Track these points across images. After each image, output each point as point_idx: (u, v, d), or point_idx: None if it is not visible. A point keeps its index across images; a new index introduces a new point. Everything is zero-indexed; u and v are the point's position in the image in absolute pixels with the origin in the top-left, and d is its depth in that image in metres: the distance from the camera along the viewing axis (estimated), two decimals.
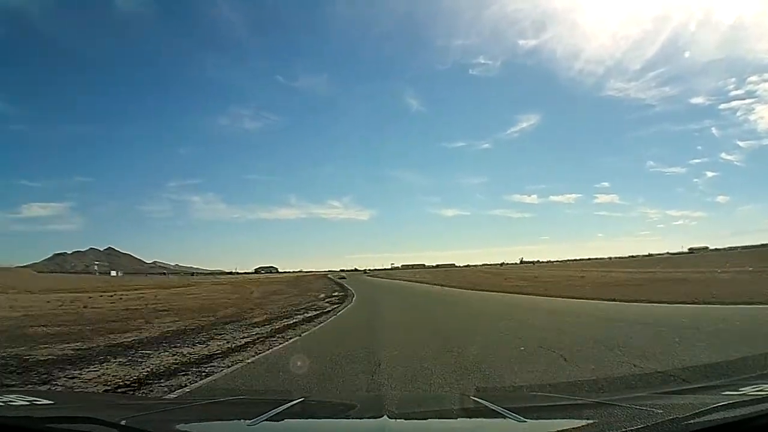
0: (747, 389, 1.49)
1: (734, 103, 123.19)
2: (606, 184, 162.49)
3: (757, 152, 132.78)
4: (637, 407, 1.47)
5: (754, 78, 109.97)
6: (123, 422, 1.29)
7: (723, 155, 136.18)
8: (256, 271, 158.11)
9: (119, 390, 4.58)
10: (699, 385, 2.74)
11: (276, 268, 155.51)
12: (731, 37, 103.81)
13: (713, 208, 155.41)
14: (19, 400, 1.75)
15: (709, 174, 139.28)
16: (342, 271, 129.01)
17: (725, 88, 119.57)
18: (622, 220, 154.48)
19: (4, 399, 1.69)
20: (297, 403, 1.81)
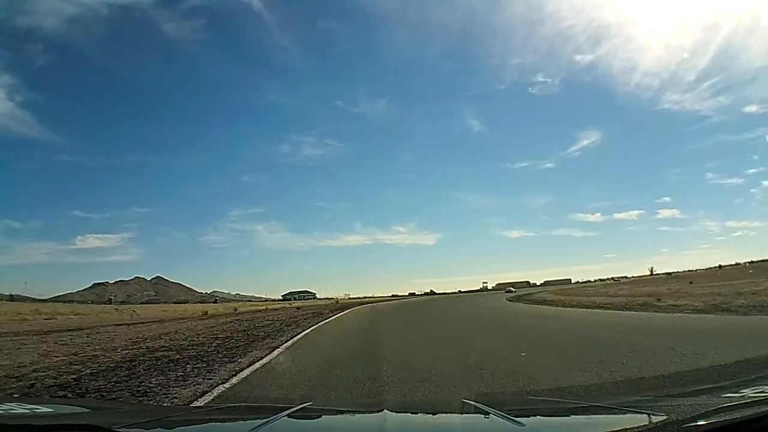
0: (747, 391, 1.50)
1: None
2: (667, 198, 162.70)
3: None
4: (638, 410, 1.47)
5: None
6: (122, 430, 1.29)
7: None
8: (284, 298, 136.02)
9: None
10: (699, 387, 2.74)
11: (313, 294, 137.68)
12: None
13: None
14: (19, 408, 1.75)
15: (766, 183, 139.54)
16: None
17: None
18: (683, 234, 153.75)
19: (5, 407, 1.69)
20: (298, 409, 1.81)
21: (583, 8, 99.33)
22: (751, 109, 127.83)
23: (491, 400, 3.32)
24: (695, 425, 1.03)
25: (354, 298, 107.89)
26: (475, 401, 2.01)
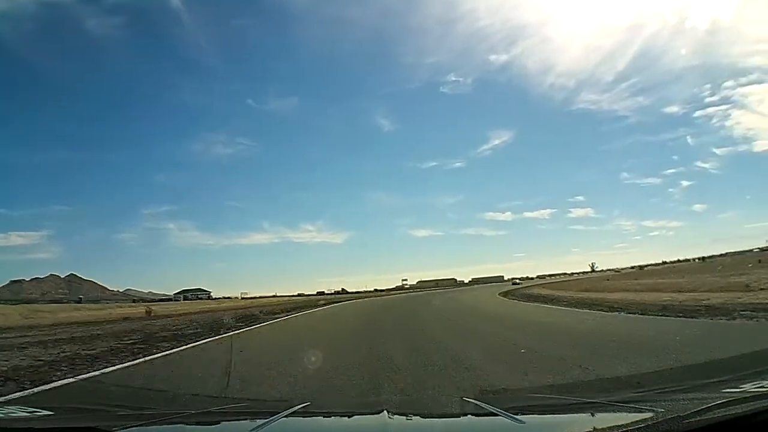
0: (747, 386, 1.50)
1: (709, 110, 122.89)
2: (580, 198, 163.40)
3: (734, 159, 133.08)
4: (638, 406, 1.47)
5: (729, 83, 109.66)
6: (123, 431, 1.28)
7: (698, 163, 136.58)
8: (176, 298, 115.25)
9: None
10: (699, 383, 2.75)
11: (208, 293, 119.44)
12: (706, 42, 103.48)
13: (690, 217, 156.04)
14: (19, 411, 1.75)
15: (685, 183, 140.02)
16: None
17: (700, 95, 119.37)
18: (597, 233, 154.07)
19: (4, 410, 1.69)
20: (298, 409, 1.81)
21: (500, 8, 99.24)
22: (672, 109, 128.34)
23: (491, 398, 3.32)
24: (696, 420, 1.03)
25: (252, 298, 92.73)
26: (475, 399, 2.02)
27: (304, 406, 1.93)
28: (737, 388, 1.51)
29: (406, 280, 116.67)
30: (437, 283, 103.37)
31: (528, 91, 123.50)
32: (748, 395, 1.31)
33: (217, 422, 1.89)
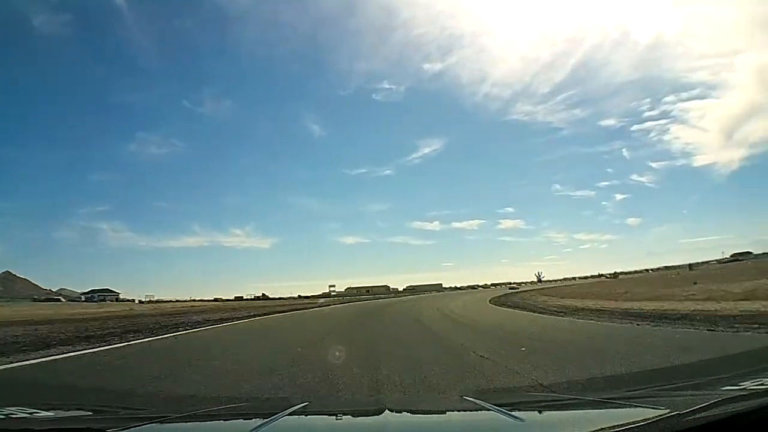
0: (747, 383, 1.50)
1: (648, 124, 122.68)
2: (510, 209, 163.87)
3: (670, 173, 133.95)
4: (637, 404, 1.48)
5: (670, 98, 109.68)
6: None
7: (634, 177, 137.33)
8: (91, 297, 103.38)
9: None
10: (699, 381, 2.76)
11: (116, 294, 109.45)
12: (648, 56, 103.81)
13: (623, 231, 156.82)
14: (19, 413, 1.75)
15: (619, 196, 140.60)
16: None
17: (639, 108, 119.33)
18: (526, 244, 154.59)
19: (5, 411, 1.68)
20: (298, 409, 1.81)
21: (438, 17, 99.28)
22: (609, 122, 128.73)
23: (490, 395, 3.33)
24: (695, 417, 1.03)
25: (158, 302, 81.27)
26: (474, 398, 2.02)
27: (303, 406, 1.93)
28: (736, 385, 1.51)
29: (333, 286, 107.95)
30: (368, 290, 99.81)
31: (461, 101, 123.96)
32: (747, 393, 1.32)
33: (217, 422, 1.89)
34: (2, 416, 1.60)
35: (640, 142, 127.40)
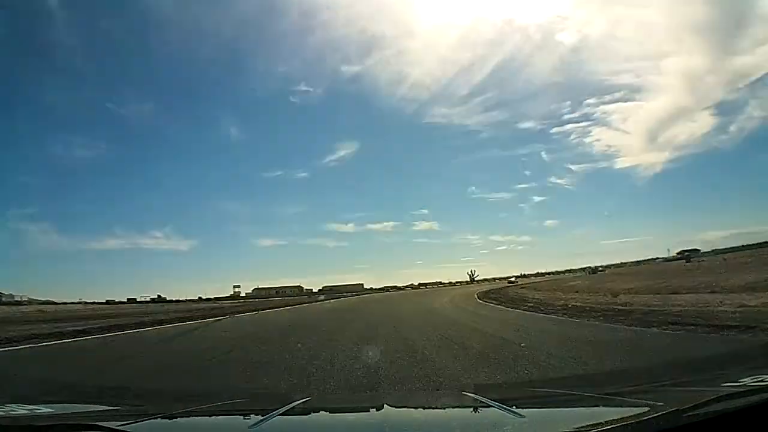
0: (747, 380, 1.50)
1: (568, 127, 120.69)
2: (425, 211, 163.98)
3: (590, 175, 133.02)
4: (638, 400, 1.48)
5: (592, 100, 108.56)
6: (123, 429, 1.29)
7: (553, 179, 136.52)
8: None
9: None
10: (699, 377, 2.76)
11: (12, 296, 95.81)
12: (571, 59, 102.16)
13: (541, 232, 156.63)
14: (20, 409, 1.75)
15: (537, 198, 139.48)
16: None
17: (559, 111, 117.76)
18: (441, 246, 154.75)
19: (5, 408, 1.69)
20: (298, 404, 1.81)
21: (358, 18, 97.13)
22: (528, 125, 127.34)
23: (491, 391, 3.34)
24: (695, 414, 1.03)
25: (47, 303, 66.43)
26: (474, 393, 2.02)
27: (303, 402, 1.93)
28: (736, 381, 1.51)
29: (238, 287, 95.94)
30: (278, 291, 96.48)
31: (378, 103, 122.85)
32: (748, 389, 1.31)
33: (217, 418, 1.89)
34: (3, 412, 1.61)
35: (560, 145, 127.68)
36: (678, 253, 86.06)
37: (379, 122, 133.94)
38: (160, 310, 34.11)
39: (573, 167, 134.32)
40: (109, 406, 2.54)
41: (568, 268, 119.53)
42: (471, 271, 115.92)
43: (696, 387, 1.88)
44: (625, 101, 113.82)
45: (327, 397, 3.71)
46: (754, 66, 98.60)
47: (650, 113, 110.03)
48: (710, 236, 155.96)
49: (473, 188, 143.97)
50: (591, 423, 1.15)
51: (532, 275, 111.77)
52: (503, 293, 27.51)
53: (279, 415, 1.54)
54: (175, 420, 1.70)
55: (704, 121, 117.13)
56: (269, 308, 26.93)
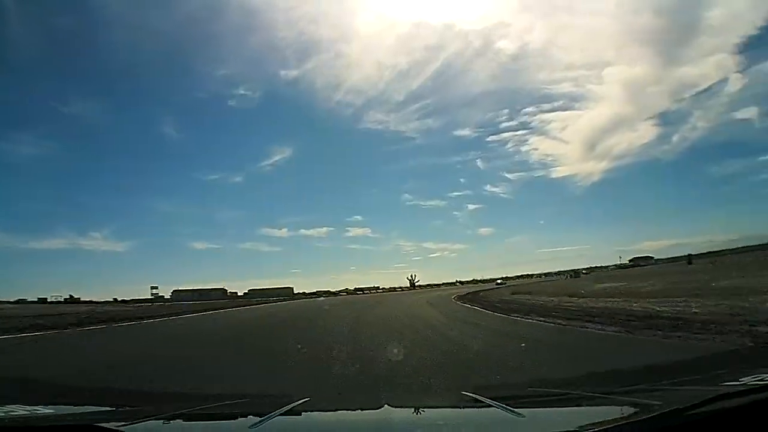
0: (746, 379, 1.50)
1: (505, 135, 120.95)
2: (359, 217, 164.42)
3: (526, 184, 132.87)
4: (638, 399, 1.48)
5: (530, 109, 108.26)
6: (123, 429, 1.28)
7: (488, 187, 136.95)
8: None
9: None
10: (698, 376, 2.76)
11: None
12: (510, 66, 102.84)
13: (475, 240, 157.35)
14: (19, 410, 1.75)
15: (471, 206, 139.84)
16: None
17: (496, 119, 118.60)
18: (374, 252, 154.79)
19: (5, 408, 1.69)
20: (297, 405, 1.81)
21: (298, 21, 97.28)
22: (464, 132, 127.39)
23: (491, 391, 3.34)
24: (696, 413, 1.03)
25: None
26: (474, 393, 2.02)
27: (303, 402, 1.93)
28: (737, 380, 1.51)
29: (156, 288, 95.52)
30: (201, 294, 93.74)
31: (315, 108, 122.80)
32: (747, 388, 1.31)
33: (217, 419, 1.89)
34: (2, 413, 1.61)
35: (496, 153, 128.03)
36: (630, 261, 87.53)
37: (315, 127, 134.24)
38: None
39: (509, 175, 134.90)
40: (108, 407, 2.54)
41: (546, 271, 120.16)
42: (411, 276, 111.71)
43: (696, 386, 1.88)
44: (565, 110, 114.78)
45: (327, 397, 3.71)
46: (700, 76, 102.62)
47: (590, 122, 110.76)
48: (648, 246, 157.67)
49: (407, 195, 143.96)
50: (591, 423, 1.15)
51: (467, 282, 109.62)
52: (514, 303, 18.23)
53: (279, 415, 1.54)
54: (174, 421, 1.70)
55: (645, 131, 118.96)
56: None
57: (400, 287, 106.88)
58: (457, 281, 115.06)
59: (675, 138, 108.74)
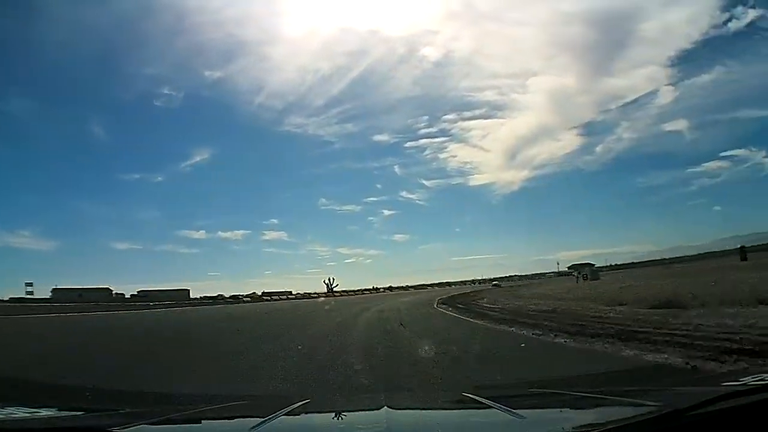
0: (747, 379, 1.50)
1: (423, 141, 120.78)
2: (275, 220, 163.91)
3: (444, 191, 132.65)
4: (638, 400, 1.48)
5: (451, 116, 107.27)
6: (123, 431, 1.28)
7: (404, 194, 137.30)
8: None
9: None
10: (699, 376, 2.76)
11: None
12: (433, 73, 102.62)
13: (390, 246, 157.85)
14: (20, 412, 1.74)
15: (387, 212, 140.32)
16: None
17: (415, 125, 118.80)
18: (290, 257, 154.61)
19: (6, 410, 1.68)
20: (298, 406, 1.81)
21: (225, 23, 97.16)
22: (382, 138, 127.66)
23: (492, 393, 3.34)
24: (696, 413, 1.03)
25: None
26: (475, 394, 2.02)
27: (303, 404, 1.93)
28: (737, 381, 1.51)
29: (30, 284, 75.17)
30: (80, 294, 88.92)
31: (236, 110, 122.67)
32: (748, 388, 1.31)
33: (217, 421, 1.89)
34: (2, 415, 1.60)
35: (414, 159, 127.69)
36: (569, 268, 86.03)
37: (236, 129, 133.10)
38: None
39: (426, 182, 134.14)
40: (109, 409, 2.54)
41: (421, 283, 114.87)
42: (329, 280, 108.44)
43: (696, 386, 1.88)
44: (486, 118, 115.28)
45: (327, 398, 3.71)
46: (628, 88, 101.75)
47: (512, 131, 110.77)
48: (566, 256, 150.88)
49: (323, 199, 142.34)
50: (591, 423, 1.15)
51: (383, 288, 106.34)
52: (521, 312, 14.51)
53: (279, 417, 1.54)
54: (175, 423, 1.70)
55: (569, 141, 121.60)
56: None
57: (316, 293, 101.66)
58: (373, 287, 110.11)
59: (599, 148, 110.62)
